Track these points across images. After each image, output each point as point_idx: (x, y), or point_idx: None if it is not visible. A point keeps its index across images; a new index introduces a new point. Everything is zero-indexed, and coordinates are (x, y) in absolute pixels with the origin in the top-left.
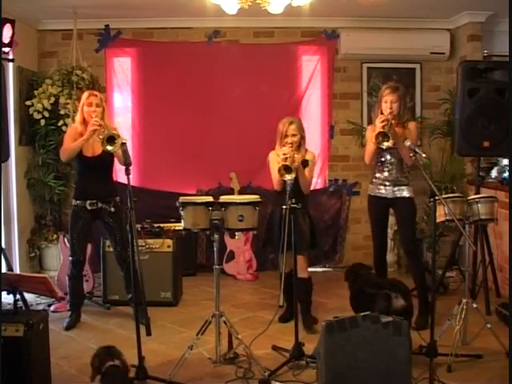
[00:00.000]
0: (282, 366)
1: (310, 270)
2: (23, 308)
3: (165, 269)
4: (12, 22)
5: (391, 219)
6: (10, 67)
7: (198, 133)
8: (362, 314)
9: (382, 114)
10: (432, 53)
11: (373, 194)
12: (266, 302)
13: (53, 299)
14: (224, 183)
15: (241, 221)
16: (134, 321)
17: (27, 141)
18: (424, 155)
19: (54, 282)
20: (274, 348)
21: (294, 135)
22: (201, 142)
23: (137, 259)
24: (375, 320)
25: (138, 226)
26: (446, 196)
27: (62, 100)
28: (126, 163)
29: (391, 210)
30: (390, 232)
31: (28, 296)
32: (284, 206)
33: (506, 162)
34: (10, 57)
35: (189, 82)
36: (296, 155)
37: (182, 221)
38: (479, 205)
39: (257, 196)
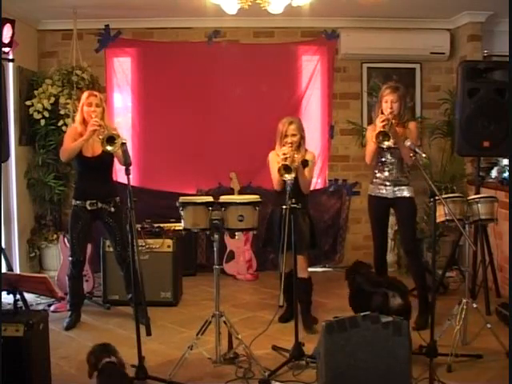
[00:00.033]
0: (282, 365)
1: (310, 269)
2: (23, 308)
3: (165, 269)
4: (12, 22)
5: (391, 219)
6: (10, 67)
7: (198, 133)
8: (361, 314)
9: (382, 113)
10: (432, 53)
11: (373, 194)
12: (266, 302)
13: (53, 299)
14: (224, 183)
15: (241, 221)
16: (134, 321)
17: (27, 141)
18: (424, 155)
19: (54, 282)
20: (274, 348)
21: (293, 135)
22: (201, 142)
23: (137, 259)
24: (375, 320)
25: (138, 226)
26: (446, 196)
27: (62, 100)
28: (126, 163)
29: (392, 210)
30: (390, 232)
31: (28, 296)
32: (284, 206)
33: (506, 161)
34: (10, 57)
35: (189, 82)
36: (296, 155)
37: (182, 221)
38: (479, 205)
39: (257, 196)
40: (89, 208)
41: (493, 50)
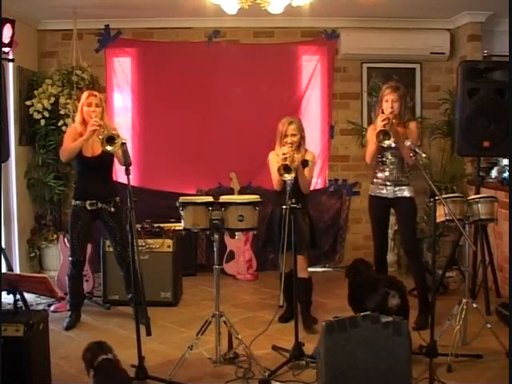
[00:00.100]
0: (282, 365)
1: (310, 269)
2: (23, 308)
3: (165, 269)
4: (12, 22)
5: (391, 219)
6: (10, 67)
7: (198, 133)
8: (361, 314)
9: (382, 113)
10: (432, 53)
11: (374, 194)
12: (266, 302)
13: (53, 299)
14: (224, 183)
15: (241, 221)
16: (134, 321)
17: (27, 141)
18: (424, 155)
19: (54, 282)
20: (274, 348)
21: (293, 135)
22: (201, 142)
23: (137, 259)
24: (375, 320)
25: (138, 226)
26: (446, 196)
27: (62, 100)
28: (126, 163)
29: (392, 210)
30: (390, 232)
31: (28, 296)
32: (284, 206)
33: (506, 161)
34: (10, 57)
35: (189, 82)
36: (296, 155)
37: (182, 221)
38: (479, 205)
39: (257, 196)
40: (89, 208)
41: (493, 50)
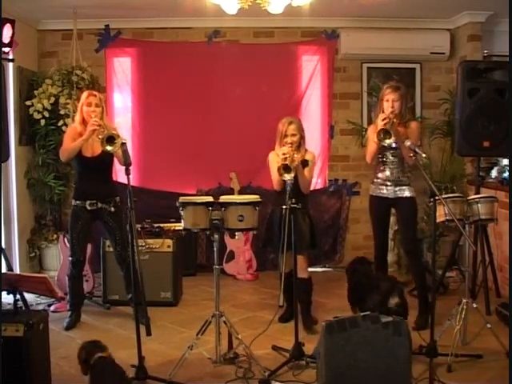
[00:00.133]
0: (282, 365)
1: (310, 270)
2: (23, 308)
3: (165, 269)
4: (12, 22)
5: (391, 219)
6: (10, 67)
7: (198, 133)
8: (361, 314)
9: (383, 112)
10: (432, 53)
11: (374, 194)
12: (266, 302)
13: (53, 299)
14: (224, 183)
15: (241, 221)
16: (134, 321)
17: (27, 141)
18: (424, 155)
19: (54, 282)
20: (274, 348)
21: (293, 135)
22: (201, 142)
23: (137, 259)
24: (375, 320)
25: (138, 226)
26: (446, 196)
27: (62, 100)
28: (126, 163)
29: (393, 210)
30: (390, 232)
31: (28, 296)
32: (284, 206)
33: (506, 161)
34: (10, 57)
35: (189, 82)
36: (296, 155)
37: (182, 221)
38: (479, 205)
39: (257, 196)
40: (89, 208)
41: (493, 50)
